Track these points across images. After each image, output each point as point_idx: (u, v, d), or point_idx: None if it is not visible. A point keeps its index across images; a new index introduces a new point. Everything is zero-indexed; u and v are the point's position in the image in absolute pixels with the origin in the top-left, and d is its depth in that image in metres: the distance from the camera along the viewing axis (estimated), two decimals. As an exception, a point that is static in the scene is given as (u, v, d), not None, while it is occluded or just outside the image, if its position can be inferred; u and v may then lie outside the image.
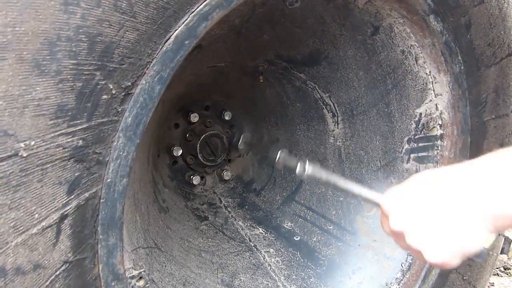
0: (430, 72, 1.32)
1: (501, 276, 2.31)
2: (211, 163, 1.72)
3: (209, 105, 1.73)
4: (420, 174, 0.70)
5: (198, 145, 1.66)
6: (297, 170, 1.04)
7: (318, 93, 1.56)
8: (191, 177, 1.69)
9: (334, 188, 1.06)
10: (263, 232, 1.63)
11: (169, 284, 1.19)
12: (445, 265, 0.66)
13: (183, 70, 1.00)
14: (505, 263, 2.38)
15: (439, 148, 1.36)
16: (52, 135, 0.67)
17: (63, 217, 0.71)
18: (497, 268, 2.33)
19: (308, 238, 1.56)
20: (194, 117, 1.64)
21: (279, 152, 1.10)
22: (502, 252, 1.61)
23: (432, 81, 1.33)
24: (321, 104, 1.58)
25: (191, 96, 1.64)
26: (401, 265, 1.47)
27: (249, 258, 1.52)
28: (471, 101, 1.33)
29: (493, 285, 2.18)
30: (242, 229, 1.63)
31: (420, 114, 1.38)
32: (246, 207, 1.74)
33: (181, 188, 1.72)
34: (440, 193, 0.65)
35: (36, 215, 0.68)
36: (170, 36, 0.78)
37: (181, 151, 1.65)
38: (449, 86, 1.32)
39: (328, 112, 1.58)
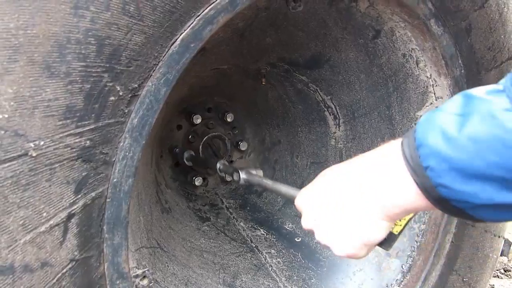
0: (430, 75, 1.34)
1: (501, 278, 2.31)
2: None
3: (211, 107, 1.74)
4: (324, 171, 0.71)
5: (200, 147, 1.67)
6: (234, 178, 1.23)
7: (320, 95, 1.58)
8: (193, 178, 1.70)
9: (265, 189, 1.23)
10: (265, 233, 1.64)
11: (171, 284, 1.20)
12: (353, 257, 0.68)
13: (187, 72, 1.02)
14: (505, 265, 2.39)
15: (440, 150, 1.38)
16: (61, 135, 0.69)
17: (70, 216, 0.73)
18: (497, 270, 2.34)
19: (309, 239, 1.57)
20: (197, 119, 1.66)
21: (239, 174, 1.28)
22: (502, 254, 1.62)
23: (432, 84, 1.35)
24: (323, 107, 1.59)
25: (194, 98, 1.65)
26: (402, 266, 1.48)
27: (251, 259, 1.53)
28: (471, 105, 1.35)
29: (493, 287, 2.19)
30: (243, 230, 1.64)
31: (421, 117, 1.40)
32: (248, 208, 1.75)
33: (183, 189, 1.73)
34: (337, 188, 0.66)
35: (44, 214, 0.69)
36: (176, 39, 0.79)
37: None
38: (449, 90, 1.33)
39: (330, 115, 1.60)
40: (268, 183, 1.16)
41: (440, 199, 0.55)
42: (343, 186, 0.66)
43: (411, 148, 0.57)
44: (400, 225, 0.70)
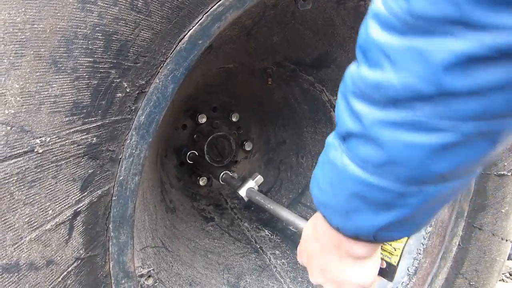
0: (439, 76, 1.32)
1: (507, 282, 2.29)
2: (218, 164, 1.72)
3: (216, 106, 1.73)
4: (307, 227, 0.71)
5: (205, 146, 1.66)
6: (239, 195, 1.23)
7: (326, 95, 1.56)
8: (198, 178, 1.69)
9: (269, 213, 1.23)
10: (269, 234, 1.63)
11: (176, 284, 1.19)
12: None
13: (193, 70, 1.01)
14: (510, 269, 2.37)
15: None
16: (67, 132, 0.68)
17: (76, 214, 0.72)
18: (502, 274, 2.31)
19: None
20: (202, 118, 1.65)
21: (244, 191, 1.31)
22: (509, 258, 1.60)
23: (441, 85, 1.33)
24: (329, 107, 1.58)
25: (199, 97, 1.64)
26: (408, 269, 1.47)
27: (255, 259, 1.51)
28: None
29: (498, 291, 2.17)
30: (248, 231, 1.63)
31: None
32: (252, 208, 1.74)
33: (188, 189, 1.72)
34: (315, 237, 0.67)
35: (50, 211, 0.68)
36: (184, 36, 0.78)
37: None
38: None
39: (336, 115, 1.58)
40: (271, 207, 1.16)
41: (350, 236, 0.57)
42: (319, 249, 0.66)
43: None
44: (397, 255, 0.71)
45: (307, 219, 1.76)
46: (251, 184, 1.34)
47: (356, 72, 0.49)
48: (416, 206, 0.49)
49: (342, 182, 0.52)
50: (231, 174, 1.50)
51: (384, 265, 0.72)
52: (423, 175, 0.46)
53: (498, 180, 1.40)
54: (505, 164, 1.39)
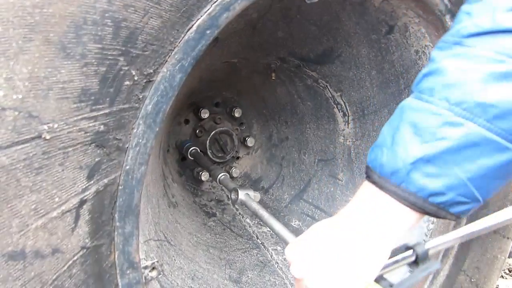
0: (443, 72, 1.32)
1: (506, 278, 2.30)
2: (220, 159, 1.72)
3: (219, 101, 1.73)
4: (315, 225, 0.73)
5: (207, 142, 1.65)
6: (232, 196, 1.23)
7: (330, 92, 1.56)
8: (200, 173, 1.69)
9: (260, 219, 1.24)
10: (271, 230, 1.62)
11: (178, 277, 1.18)
12: None
13: (199, 63, 1.00)
14: (510, 265, 2.37)
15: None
16: (75, 118, 0.67)
17: (82, 202, 0.71)
18: (502, 270, 2.32)
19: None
20: (205, 113, 1.64)
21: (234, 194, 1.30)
22: (510, 256, 1.61)
23: (445, 82, 1.33)
24: (332, 103, 1.58)
25: (203, 92, 1.64)
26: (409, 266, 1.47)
27: (257, 255, 1.51)
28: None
29: (498, 287, 2.17)
30: (249, 227, 1.63)
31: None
32: (254, 205, 1.73)
33: (190, 183, 1.71)
34: (330, 237, 0.69)
35: (57, 199, 0.68)
36: (193, 25, 0.78)
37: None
38: (462, 87, 1.32)
39: (339, 111, 1.58)
40: (264, 215, 1.17)
41: (432, 207, 0.61)
42: (337, 235, 0.68)
43: (391, 183, 0.63)
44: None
45: (310, 216, 1.75)
46: (250, 192, 1.32)
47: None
48: (457, 140, 0.56)
49: (399, 115, 0.63)
50: (228, 178, 1.50)
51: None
52: (474, 102, 0.55)
53: (501, 178, 1.40)
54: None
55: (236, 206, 1.72)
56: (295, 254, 0.72)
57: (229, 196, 1.33)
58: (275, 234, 1.27)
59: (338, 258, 0.66)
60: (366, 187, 0.68)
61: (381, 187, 0.64)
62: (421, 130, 0.60)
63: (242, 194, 1.30)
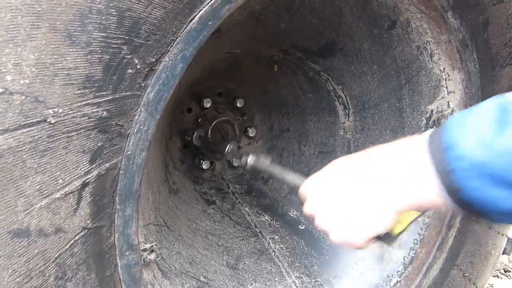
0: (444, 69, 1.33)
1: (501, 278, 2.32)
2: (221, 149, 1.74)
3: (222, 91, 1.75)
4: (337, 160, 0.72)
5: (209, 131, 1.68)
6: (242, 160, 1.27)
7: (331, 85, 1.58)
8: (201, 161, 1.71)
9: (271, 176, 1.25)
10: (269, 219, 1.66)
11: (176, 262, 1.22)
12: (349, 245, 0.69)
13: (201, 54, 1.02)
14: (505, 265, 2.40)
15: (449, 144, 1.37)
16: (79, 104, 0.70)
17: (84, 185, 0.74)
18: (497, 270, 2.34)
19: (313, 227, 1.58)
20: (207, 103, 1.66)
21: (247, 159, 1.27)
22: (504, 253, 1.63)
23: (445, 78, 1.34)
24: (333, 96, 1.59)
25: (205, 82, 1.66)
26: (404, 258, 1.49)
27: (254, 243, 1.54)
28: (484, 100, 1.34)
29: (492, 286, 2.20)
30: (248, 215, 1.66)
31: (432, 110, 1.40)
32: (253, 194, 1.76)
33: (191, 171, 1.74)
34: (346, 178, 0.68)
35: (60, 181, 0.71)
36: (195, 16, 0.80)
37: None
38: (462, 84, 1.33)
39: (340, 105, 1.60)
40: (276, 169, 1.17)
41: (462, 200, 0.55)
42: (353, 176, 0.67)
43: (439, 149, 0.56)
44: (403, 225, 0.70)
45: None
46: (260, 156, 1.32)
47: None
48: None
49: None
50: (236, 147, 1.50)
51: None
52: None
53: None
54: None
55: (236, 195, 1.75)
56: (308, 190, 0.73)
57: (240, 160, 1.33)
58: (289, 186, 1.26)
59: (349, 206, 0.66)
60: (414, 143, 0.60)
61: (435, 157, 0.56)
62: None
63: (252, 157, 1.29)
